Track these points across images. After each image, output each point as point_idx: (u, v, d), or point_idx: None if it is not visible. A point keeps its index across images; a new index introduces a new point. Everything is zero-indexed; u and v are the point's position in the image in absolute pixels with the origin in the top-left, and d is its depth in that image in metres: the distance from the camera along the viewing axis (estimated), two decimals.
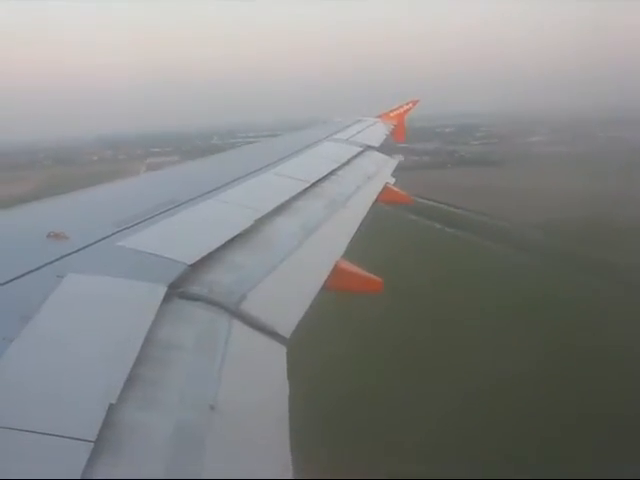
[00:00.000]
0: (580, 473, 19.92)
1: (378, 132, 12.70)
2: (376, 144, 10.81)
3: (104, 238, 3.73)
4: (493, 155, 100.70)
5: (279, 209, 5.28)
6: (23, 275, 3.00)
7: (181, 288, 3.24)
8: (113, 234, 3.82)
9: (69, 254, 3.39)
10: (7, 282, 2.89)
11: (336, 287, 4.38)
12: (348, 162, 8.45)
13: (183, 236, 4.15)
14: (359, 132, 11.75)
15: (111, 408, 2.02)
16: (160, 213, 4.43)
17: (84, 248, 3.53)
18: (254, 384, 2.77)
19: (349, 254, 4.89)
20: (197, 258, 3.59)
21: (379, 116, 14.98)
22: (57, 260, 3.27)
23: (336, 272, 4.42)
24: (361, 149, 9.75)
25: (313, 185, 6.46)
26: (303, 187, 6.20)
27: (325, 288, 4.11)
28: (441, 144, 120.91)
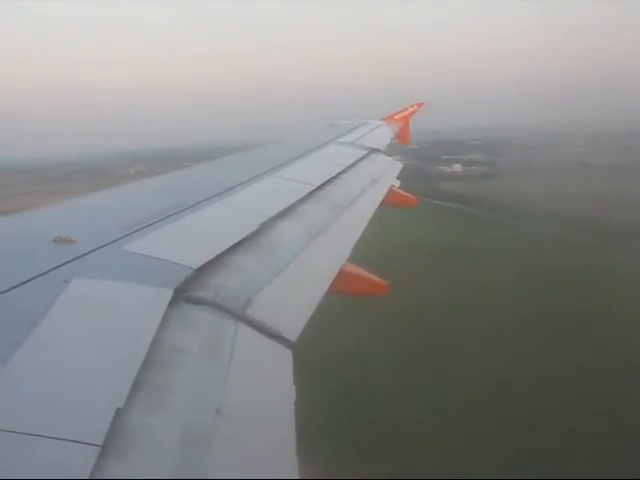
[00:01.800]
0: (580, 473, 19.85)
1: (383, 135, 12.69)
2: (381, 147, 10.79)
3: (110, 242, 3.74)
4: (549, 164, 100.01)
5: (284, 213, 5.27)
6: (30, 280, 3.01)
7: (187, 292, 3.24)
8: (119, 238, 3.82)
9: (75, 258, 3.39)
10: (14, 287, 2.90)
11: (342, 290, 4.37)
12: (353, 165, 8.45)
13: (189, 240, 4.16)
14: (364, 135, 11.74)
15: (118, 412, 2.03)
16: (166, 217, 4.43)
17: (90, 252, 3.53)
18: (260, 388, 2.77)
19: (355, 257, 4.89)
20: (203, 262, 3.59)
21: (384, 119, 14.96)
22: (63, 265, 3.27)
23: (342, 275, 4.41)
24: (366, 152, 9.74)
25: (318, 188, 6.45)
26: (308, 190, 6.19)
27: (331, 291, 4.11)
28: (488, 155, 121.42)
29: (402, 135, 14.25)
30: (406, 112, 15.38)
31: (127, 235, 3.90)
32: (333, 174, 7.33)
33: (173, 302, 3.02)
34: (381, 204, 7.10)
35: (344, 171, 7.82)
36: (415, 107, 15.57)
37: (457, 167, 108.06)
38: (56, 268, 3.21)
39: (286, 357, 3.03)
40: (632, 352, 28.94)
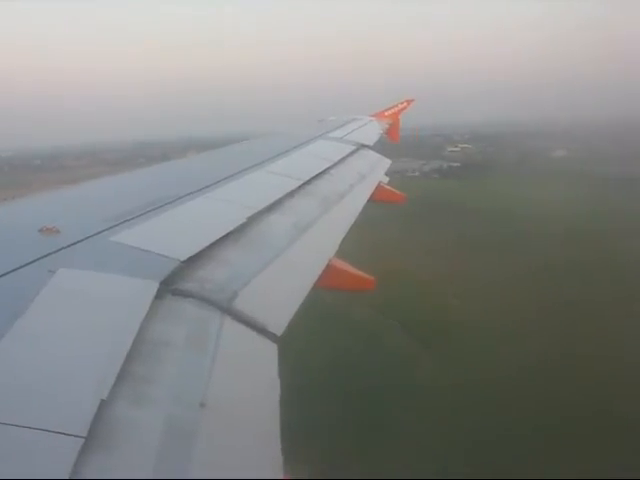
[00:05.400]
0: (580, 473, 20.02)
1: (372, 131, 12.68)
2: (370, 143, 10.79)
3: (96, 233, 3.72)
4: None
5: (272, 207, 5.27)
6: (14, 270, 2.99)
7: (173, 285, 3.23)
8: (105, 229, 3.81)
9: (61, 249, 3.38)
10: None
11: (328, 285, 4.39)
12: (342, 160, 8.45)
13: (176, 233, 4.15)
14: (353, 131, 11.73)
15: (102, 404, 2.02)
16: (153, 209, 4.42)
17: (76, 243, 3.52)
18: (245, 382, 2.77)
19: (342, 252, 4.90)
20: (190, 255, 3.58)
21: (374, 115, 14.96)
22: (49, 255, 3.26)
23: (329, 270, 4.42)
24: (355, 148, 9.74)
25: (306, 183, 6.45)
26: (296, 185, 6.19)
27: (317, 286, 4.12)
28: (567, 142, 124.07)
29: (392, 132, 14.25)
30: (396, 109, 15.37)
31: (114, 226, 3.89)
32: (322, 169, 7.33)
33: (159, 294, 3.01)
34: (369, 200, 7.11)
35: (333, 166, 7.82)
36: (405, 104, 15.57)
37: (561, 152, 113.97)
38: (41, 258, 3.19)
39: (271, 351, 3.04)
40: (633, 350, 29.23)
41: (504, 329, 32.60)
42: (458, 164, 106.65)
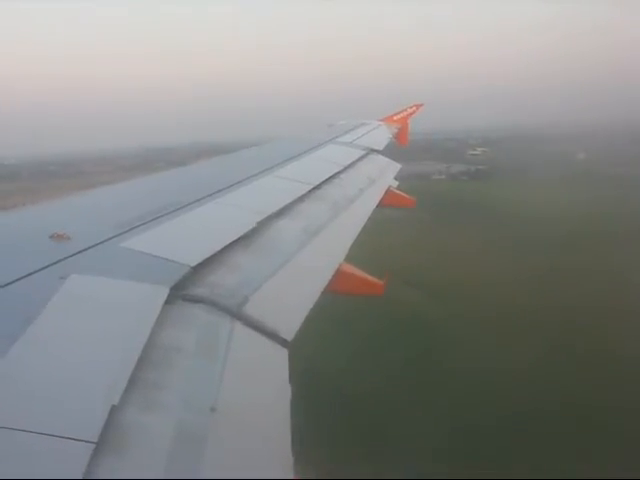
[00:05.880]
0: (579, 473, 19.86)
1: (382, 135, 12.67)
2: (379, 147, 10.78)
3: (107, 239, 3.74)
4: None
5: (282, 212, 5.28)
6: (26, 276, 3.01)
7: (183, 290, 3.24)
8: (116, 236, 3.83)
9: (72, 255, 3.40)
10: (10, 283, 2.90)
11: (338, 290, 4.38)
12: (351, 165, 8.45)
13: (186, 238, 4.16)
14: (363, 135, 11.73)
15: (113, 410, 2.03)
16: (163, 215, 4.43)
17: (87, 249, 3.53)
18: (256, 387, 2.77)
19: (351, 257, 4.90)
20: (200, 260, 3.59)
21: (383, 119, 14.96)
22: (60, 261, 3.27)
23: (338, 275, 4.42)
24: (364, 152, 9.73)
25: (316, 188, 6.46)
26: (306, 190, 6.20)
27: (327, 291, 4.11)
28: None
29: (401, 136, 14.23)
30: (405, 113, 15.37)
31: (124, 232, 3.91)
32: (331, 174, 7.33)
33: (170, 300, 3.02)
34: (379, 205, 7.11)
35: (342, 171, 7.82)
36: (414, 108, 15.56)
37: (581, 155, 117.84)
38: (53, 264, 3.21)
39: (282, 356, 3.03)
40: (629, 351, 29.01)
41: (517, 330, 32.53)
42: (484, 167, 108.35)
